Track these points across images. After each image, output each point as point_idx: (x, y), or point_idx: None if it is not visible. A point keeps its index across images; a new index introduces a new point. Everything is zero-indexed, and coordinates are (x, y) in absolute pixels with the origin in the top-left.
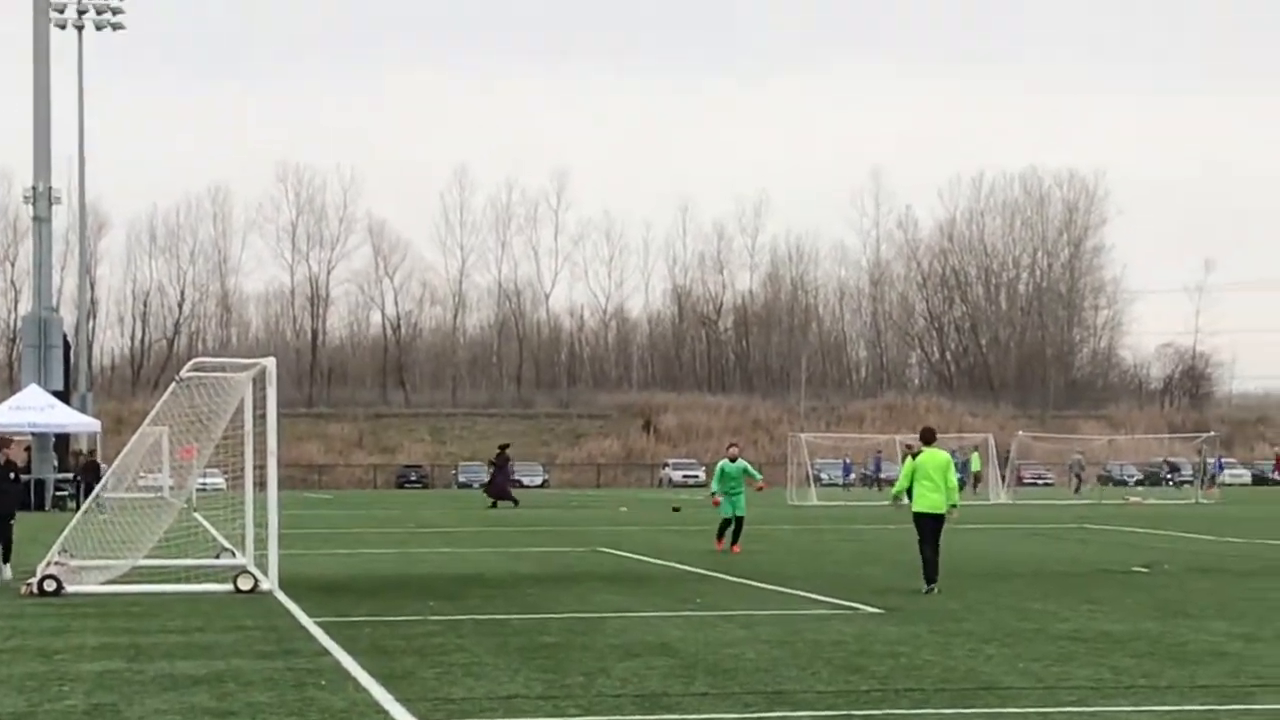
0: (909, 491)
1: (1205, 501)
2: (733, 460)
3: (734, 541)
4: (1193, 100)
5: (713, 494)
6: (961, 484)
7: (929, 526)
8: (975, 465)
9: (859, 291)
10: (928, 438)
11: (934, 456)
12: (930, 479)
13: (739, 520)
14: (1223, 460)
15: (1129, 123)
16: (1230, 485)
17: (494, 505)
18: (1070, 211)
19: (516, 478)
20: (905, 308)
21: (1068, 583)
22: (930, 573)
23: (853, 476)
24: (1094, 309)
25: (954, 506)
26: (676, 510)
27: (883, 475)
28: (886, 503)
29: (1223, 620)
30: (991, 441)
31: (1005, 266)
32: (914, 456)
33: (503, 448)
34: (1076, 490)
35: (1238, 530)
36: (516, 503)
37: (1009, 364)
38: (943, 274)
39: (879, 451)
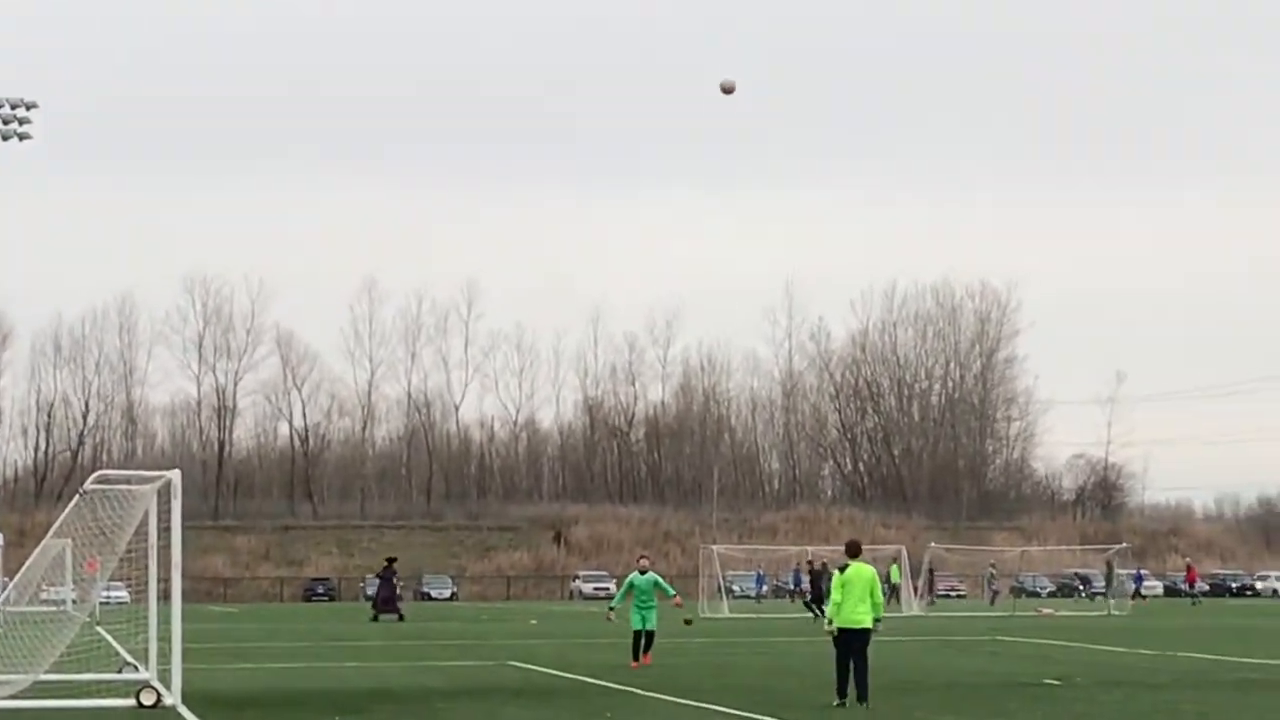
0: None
1: (1117, 613)
2: (643, 572)
3: (646, 650)
4: (1104, 212)
5: (610, 609)
6: (944, 594)
7: (857, 642)
8: (895, 577)
9: (771, 403)
10: (854, 551)
11: (861, 571)
12: (858, 594)
13: (649, 635)
14: (1141, 572)
15: (1041, 235)
16: (1143, 596)
17: (375, 618)
18: (982, 323)
19: (425, 590)
20: (818, 419)
21: (979, 695)
22: (860, 690)
23: (765, 588)
24: (1006, 420)
25: (878, 620)
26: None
27: (801, 587)
28: (802, 614)
29: None
30: (904, 553)
31: (918, 377)
32: (841, 571)
33: (389, 560)
34: (992, 602)
35: (1149, 642)
36: (402, 617)
37: (922, 475)
38: (855, 385)
39: (798, 566)
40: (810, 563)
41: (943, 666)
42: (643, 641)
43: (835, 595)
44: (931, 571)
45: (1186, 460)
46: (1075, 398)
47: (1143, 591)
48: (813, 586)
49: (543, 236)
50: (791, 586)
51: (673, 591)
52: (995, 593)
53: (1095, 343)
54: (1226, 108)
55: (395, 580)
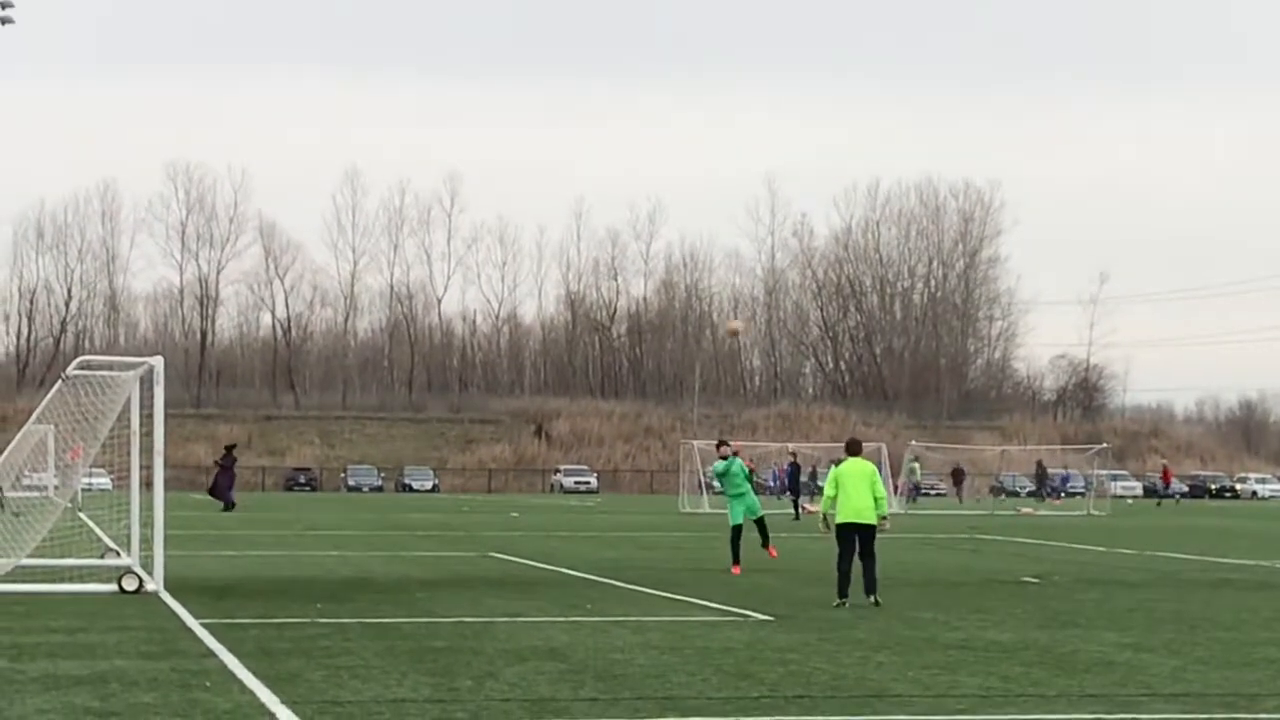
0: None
1: (1096, 513)
2: (725, 459)
3: (765, 543)
4: (1088, 112)
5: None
6: (925, 492)
7: (856, 537)
8: (916, 475)
9: (753, 299)
10: (854, 450)
11: (858, 465)
12: (855, 487)
13: (760, 521)
14: (1069, 473)
15: (1025, 133)
16: (1121, 497)
17: (228, 508)
18: (966, 222)
19: (407, 481)
20: (800, 316)
21: (958, 592)
22: (869, 584)
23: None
24: (988, 320)
25: (884, 517)
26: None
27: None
28: (776, 511)
29: (1111, 630)
30: (885, 451)
31: (900, 276)
32: (836, 465)
33: (229, 448)
34: (960, 499)
35: (1127, 542)
36: (232, 505)
37: (903, 374)
38: (838, 283)
39: (778, 464)
40: (794, 454)
41: (922, 564)
42: (744, 534)
43: (829, 489)
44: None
45: (1168, 362)
46: (1058, 298)
47: (1117, 492)
48: (790, 480)
49: (526, 130)
50: (771, 484)
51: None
52: (960, 490)
53: (1078, 243)
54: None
55: (234, 469)
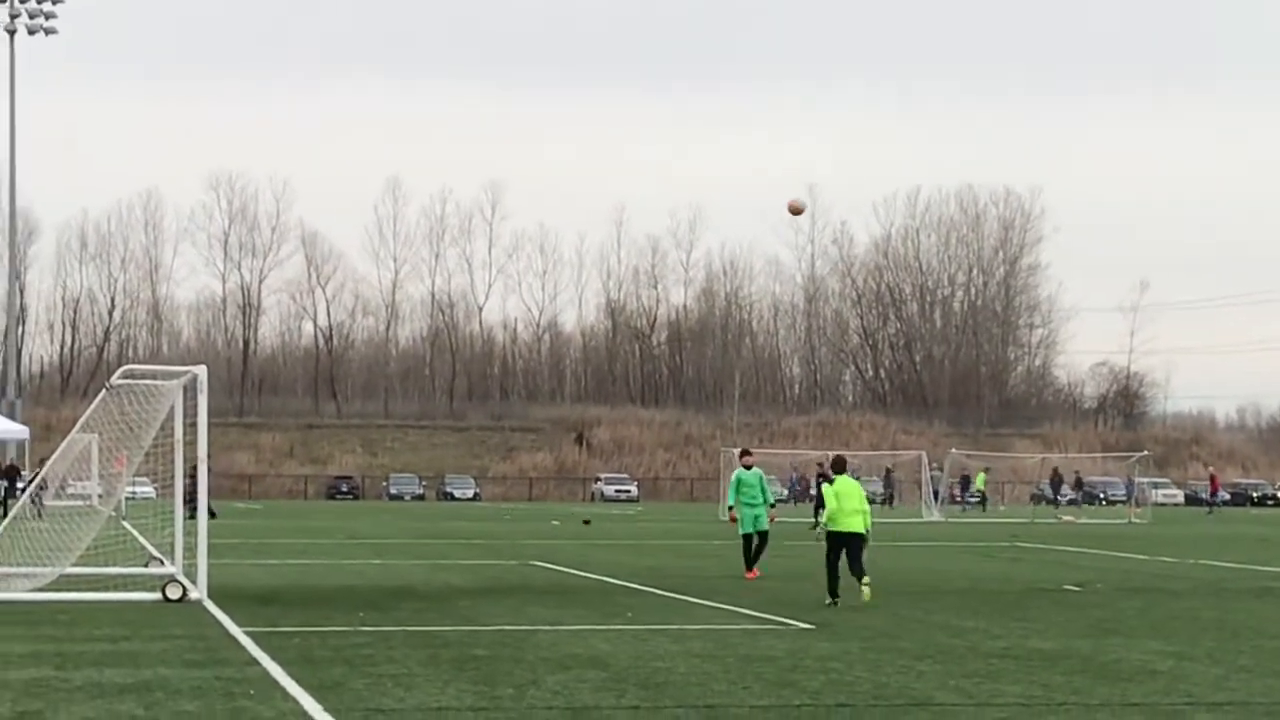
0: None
1: (1138, 521)
2: (748, 469)
3: (752, 564)
4: (1129, 119)
5: (729, 508)
6: (971, 500)
7: (850, 544)
8: (980, 484)
9: (793, 307)
10: (839, 467)
11: (850, 483)
12: (849, 503)
13: (763, 537)
14: (1156, 480)
15: (1066, 141)
16: (1163, 505)
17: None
18: (1006, 229)
19: (448, 489)
20: (840, 324)
21: (999, 600)
22: (856, 569)
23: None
24: (1028, 327)
25: (868, 530)
26: (587, 524)
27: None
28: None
29: (1154, 639)
30: (924, 459)
31: (940, 284)
32: (829, 483)
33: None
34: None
35: (1169, 550)
36: (193, 515)
37: (943, 381)
38: (877, 291)
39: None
40: (795, 469)
41: (963, 572)
42: (754, 544)
43: (831, 503)
44: (966, 479)
45: (1209, 369)
46: (1098, 305)
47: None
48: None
49: (567, 138)
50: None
51: (772, 498)
52: (983, 496)
53: (1119, 250)
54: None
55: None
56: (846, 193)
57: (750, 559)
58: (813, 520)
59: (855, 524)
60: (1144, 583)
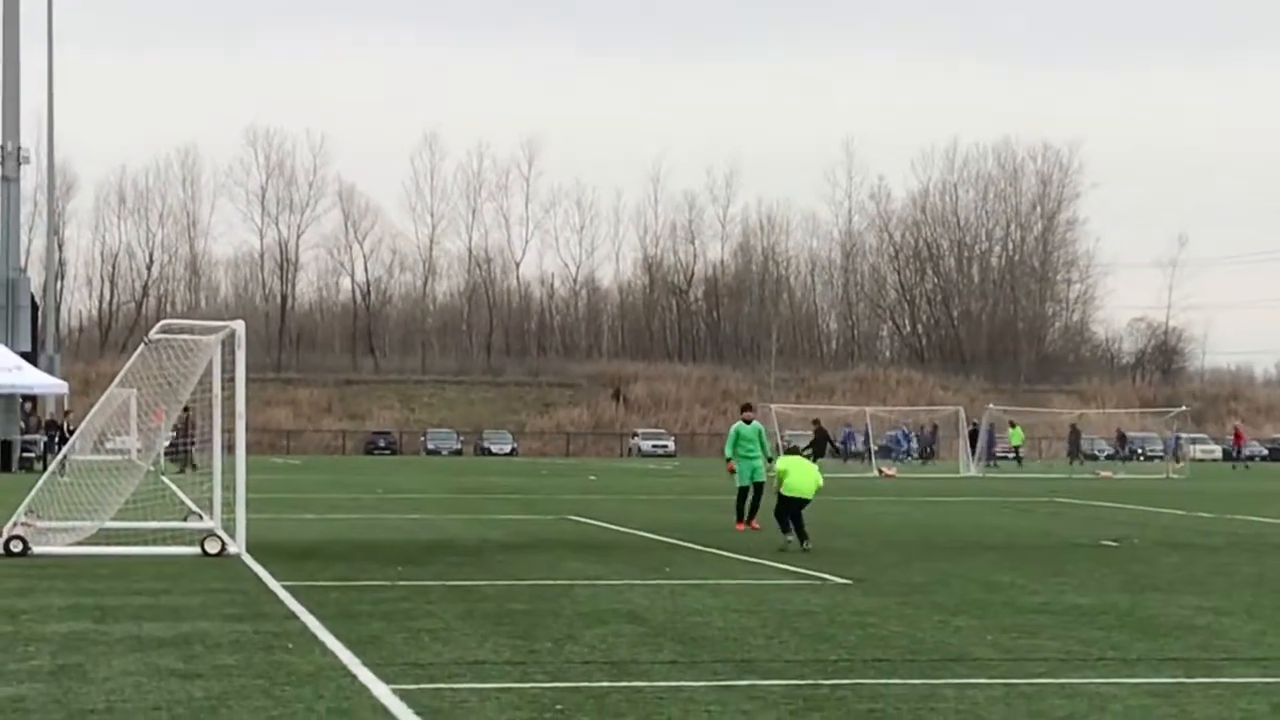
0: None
1: (1176, 477)
2: (748, 423)
3: (751, 516)
4: (1168, 73)
5: (727, 460)
6: (1003, 456)
7: (797, 506)
8: (1016, 439)
9: (830, 263)
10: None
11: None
12: (803, 469)
13: (758, 488)
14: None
15: (1104, 95)
16: (1201, 461)
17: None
18: (1044, 184)
19: (485, 445)
20: (877, 280)
21: (1037, 556)
22: (800, 534)
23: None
24: (1066, 283)
25: (816, 493)
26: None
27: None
28: (853, 475)
29: (1192, 594)
30: (962, 414)
31: (978, 239)
32: (789, 453)
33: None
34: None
35: (1207, 505)
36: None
37: (980, 337)
38: (915, 246)
39: (848, 424)
40: (816, 422)
41: (1001, 527)
42: (749, 498)
43: (781, 465)
44: (991, 434)
45: (1248, 324)
46: (1137, 260)
47: (1196, 455)
48: (815, 445)
49: (603, 93)
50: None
51: (770, 453)
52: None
53: (1158, 205)
54: None
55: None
56: (884, 148)
57: (743, 511)
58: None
59: (806, 490)
60: (1182, 538)
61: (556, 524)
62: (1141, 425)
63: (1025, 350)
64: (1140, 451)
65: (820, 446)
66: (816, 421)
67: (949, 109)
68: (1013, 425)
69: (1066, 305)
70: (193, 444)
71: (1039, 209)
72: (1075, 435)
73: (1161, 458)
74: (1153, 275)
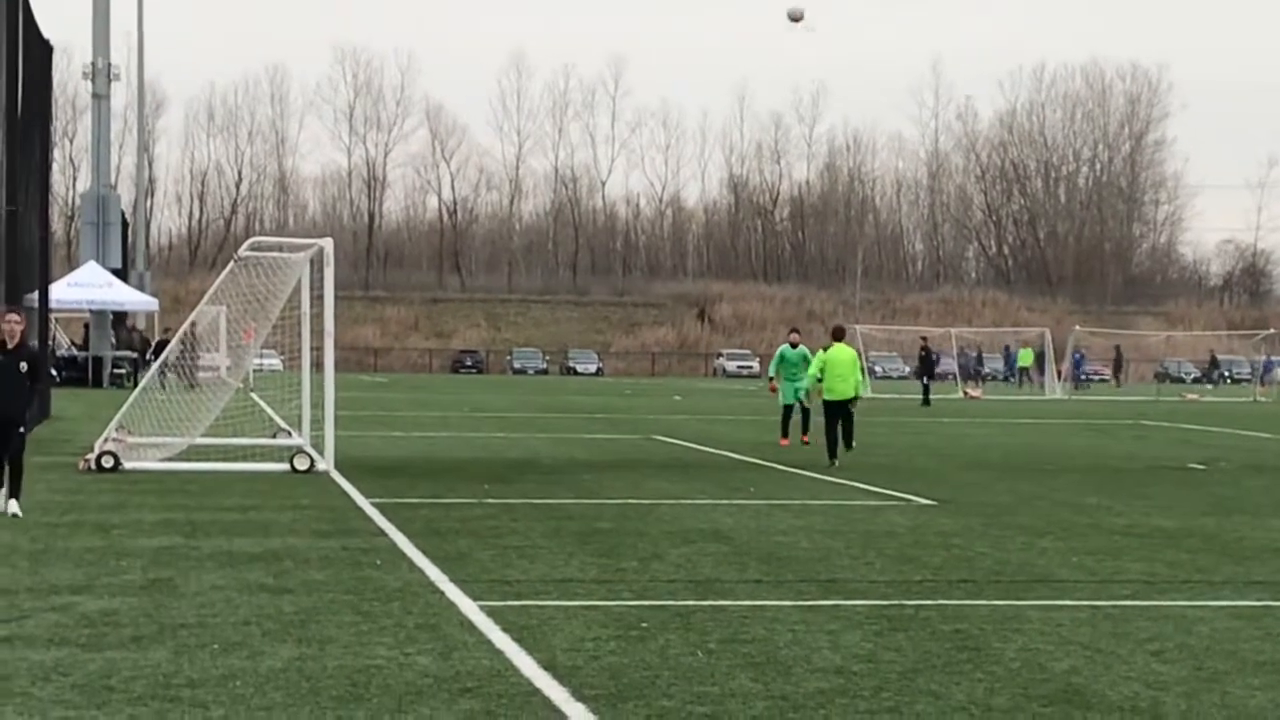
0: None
1: (1263, 400)
2: (794, 346)
3: (804, 430)
4: None
5: (769, 379)
6: (1006, 378)
7: (841, 411)
8: (1024, 360)
9: (916, 184)
10: (838, 335)
11: (843, 352)
12: (839, 371)
13: (805, 411)
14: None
15: (1193, 14)
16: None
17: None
18: (1132, 104)
19: (571, 364)
20: (963, 200)
21: (1123, 478)
22: (847, 439)
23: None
24: (1154, 204)
25: (858, 397)
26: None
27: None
28: (938, 396)
29: (1278, 517)
30: (1049, 336)
31: (1065, 160)
32: (824, 350)
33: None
34: (1117, 384)
35: None
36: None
37: (1067, 259)
38: (1002, 166)
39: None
40: (924, 339)
41: (1087, 450)
42: (792, 417)
43: (814, 370)
44: (1078, 355)
45: None
46: (1225, 182)
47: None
48: (922, 365)
49: (689, 12)
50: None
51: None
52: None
53: (1247, 126)
54: None
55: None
56: (971, 68)
57: (787, 428)
58: (921, 397)
59: (844, 391)
60: (1269, 461)
61: (641, 444)
62: (1229, 348)
63: (1112, 272)
64: (1228, 375)
65: (929, 366)
66: (924, 339)
67: (1037, 29)
68: (1024, 346)
69: (1154, 227)
70: (196, 362)
71: (1127, 129)
72: (1119, 358)
73: (1249, 381)
74: (1241, 197)
